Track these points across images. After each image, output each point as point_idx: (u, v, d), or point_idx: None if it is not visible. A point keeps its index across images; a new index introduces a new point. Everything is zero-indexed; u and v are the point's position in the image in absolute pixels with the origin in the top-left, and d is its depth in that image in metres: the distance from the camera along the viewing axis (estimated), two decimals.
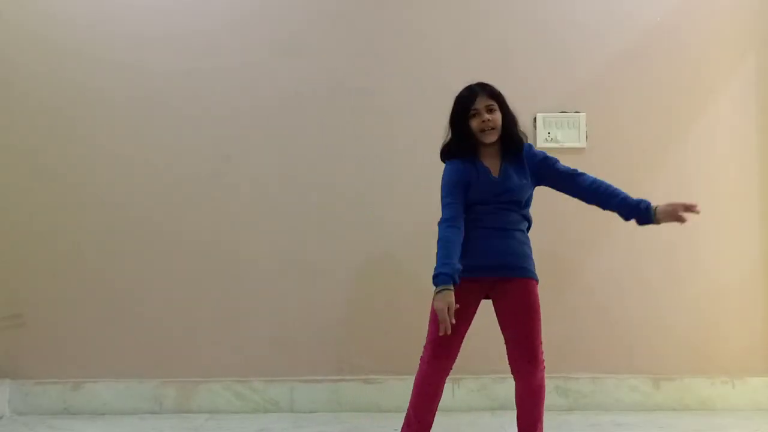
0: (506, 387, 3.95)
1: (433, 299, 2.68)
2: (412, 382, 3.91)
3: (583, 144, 4.04)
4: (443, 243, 2.77)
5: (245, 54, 4.05)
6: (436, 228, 4.10)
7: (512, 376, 2.88)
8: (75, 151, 4.02)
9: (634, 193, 4.05)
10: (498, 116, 2.93)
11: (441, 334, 2.66)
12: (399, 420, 3.70)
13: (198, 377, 3.94)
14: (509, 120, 2.97)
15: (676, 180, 4.05)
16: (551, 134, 4.03)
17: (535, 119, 4.04)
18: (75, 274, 3.98)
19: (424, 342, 3.93)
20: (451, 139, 3.03)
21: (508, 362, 2.86)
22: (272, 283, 3.97)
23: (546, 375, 3.96)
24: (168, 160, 4.02)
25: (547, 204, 4.03)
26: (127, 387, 3.92)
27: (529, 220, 3.00)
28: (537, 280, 2.93)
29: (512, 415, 3.80)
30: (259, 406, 3.92)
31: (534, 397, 2.89)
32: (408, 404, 2.94)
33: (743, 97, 4.08)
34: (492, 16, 4.10)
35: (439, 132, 4.03)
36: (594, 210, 4.03)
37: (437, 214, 4.00)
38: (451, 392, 3.94)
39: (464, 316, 2.84)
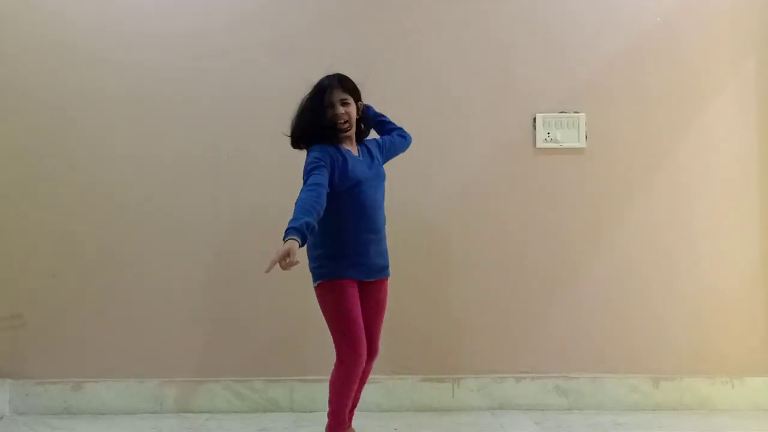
0: (506, 387, 3.96)
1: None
2: (412, 382, 3.94)
3: (582, 144, 4.04)
4: (301, 201, 2.87)
5: (245, 54, 4.05)
6: (436, 229, 4.12)
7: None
8: (75, 151, 4.02)
9: (634, 192, 4.09)
10: (352, 110, 3.11)
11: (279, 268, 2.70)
12: (399, 419, 3.72)
13: (198, 377, 3.94)
14: (366, 116, 3.22)
15: (676, 180, 4.05)
16: (551, 134, 4.03)
17: (534, 119, 4.04)
18: (75, 274, 3.98)
19: (424, 343, 3.96)
20: (306, 124, 3.11)
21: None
22: (272, 282, 3.95)
23: (546, 374, 4.00)
24: (168, 160, 4.02)
25: (545, 205, 4.05)
26: (127, 387, 3.92)
27: None
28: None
29: (512, 414, 3.84)
30: (259, 406, 3.92)
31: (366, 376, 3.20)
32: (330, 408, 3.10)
33: (743, 97, 4.08)
34: (492, 16, 4.10)
35: (438, 131, 4.05)
36: (593, 211, 4.06)
37: (441, 216, 4.02)
38: (451, 392, 3.94)
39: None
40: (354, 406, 3.23)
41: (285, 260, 2.65)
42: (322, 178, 2.92)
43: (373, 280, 3.11)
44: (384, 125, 3.43)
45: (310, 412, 3.88)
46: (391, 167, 3.95)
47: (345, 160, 3.03)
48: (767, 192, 4.06)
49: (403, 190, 3.99)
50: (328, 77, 3.12)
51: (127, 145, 4.02)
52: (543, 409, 3.92)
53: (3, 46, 4.04)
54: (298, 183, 3.99)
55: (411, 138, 3.46)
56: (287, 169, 4.03)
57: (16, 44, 4.04)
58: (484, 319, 4.00)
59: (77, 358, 3.94)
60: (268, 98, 4.03)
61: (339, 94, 3.07)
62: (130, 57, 4.04)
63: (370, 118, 3.32)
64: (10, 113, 4.03)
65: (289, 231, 2.73)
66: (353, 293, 3.02)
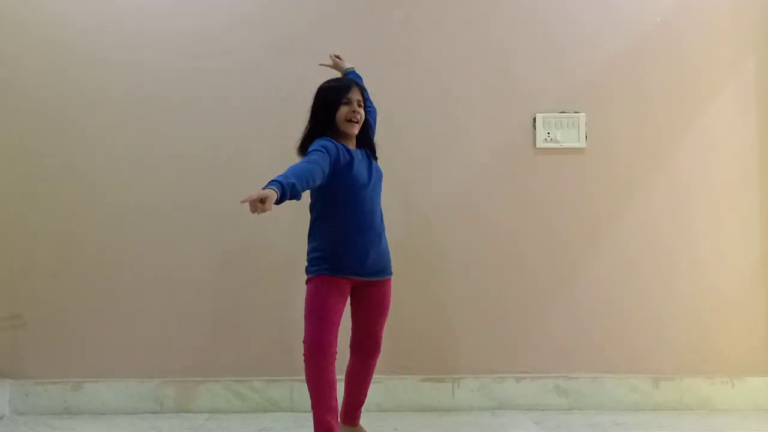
0: (506, 387, 3.96)
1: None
2: (412, 381, 3.94)
3: (582, 144, 4.04)
4: (294, 166, 2.83)
5: (245, 54, 4.05)
6: (436, 229, 4.11)
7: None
8: (75, 151, 4.02)
9: (634, 192, 4.09)
10: (363, 113, 3.15)
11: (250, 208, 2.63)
12: (399, 419, 3.72)
13: (198, 377, 3.94)
14: (369, 124, 3.24)
15: (676, 180, 4.05)
16: (551, 134, 4.03)
17: (534, 119, 4.04)
18: (75, 274, 3.98)
19: (423, 343, 3.96)
20: (311, 130, 3.14)
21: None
22: (272, 282, 3.97)
23: (546, 374, 4.00)
24: (168, 160, 4.02)
25: (545, 205, 4.05)
26: (127, 387, 3.92)
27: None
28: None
29: (512, 414, 3.84)
30: (259, 406, 3.92)
31: (369, 374, 3.27)
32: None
33: (743, 97, 4.08)
34: (492, 16, 4.10)
35: (438, 131, 4.05)
36: (593, 211, 4.05)
37: (441, 215, 4.01)
38: (451, 392, 3.94)
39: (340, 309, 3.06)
40: (359, 406, 3.29)
41: (258, 204, 2.60)
42: (325, 161, 2.90)
43: (371, 280, 3.12)
44: None
45: (310, 412, 3.87)
46: (390, 167, 3.97)
47: (352, 159, 3.05)
48: (767, 192, 4.06)
49: (403, 190, 3.99)
50: (341, 79, 3.24)
51: (127, 145, 4.03)
52: (543, 409, 3.92)
53: (3, 46, 4.04)
54: None
55: (375, 110, 3.50)
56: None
57: (16, 44, 4.04)
58: (484, 319, 4.00)
59: (77, 358, 3.94)
60: (268, 98, 4.04)
61: (357, 95, 3.11)
62: (130, 57, 4.04)
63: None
64: (10, 113, 4.03)
65: (273, 183, 2.68)
66: (338, 293, 3.00)
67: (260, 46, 4.05)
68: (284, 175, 2.73)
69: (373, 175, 3.14)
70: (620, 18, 4.10)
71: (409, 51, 4.07)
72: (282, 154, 4.03)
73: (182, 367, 3.95)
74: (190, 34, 4.06)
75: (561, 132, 4.04)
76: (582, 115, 4.05)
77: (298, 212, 4.00)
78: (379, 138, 3.42)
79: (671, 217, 4.04)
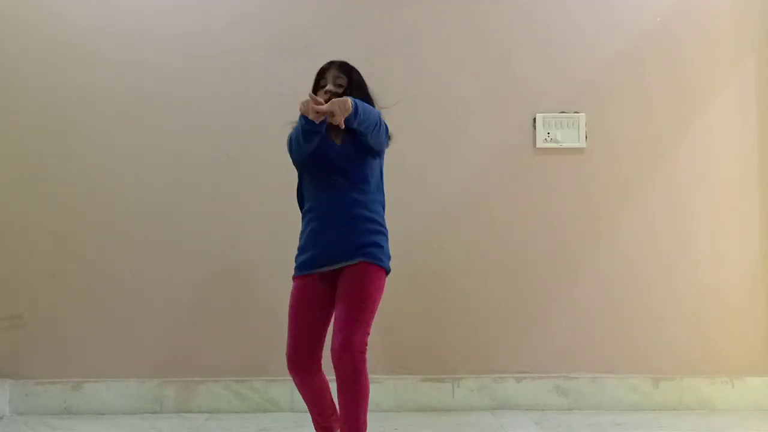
0: (506, 387, 3.96)
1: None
2: (412, 381, 3.95)
3: (582, 144, 4.04)
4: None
5: (245, 54, 4.05)
6: (436, 229, 4.11)
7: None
8: (75, 151, 4.02)
9: (634, 192, 4.09)
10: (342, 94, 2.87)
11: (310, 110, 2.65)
12: (399, 419, 3.72)
13: (198, 377, 3.94)
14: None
15: (676, 180, 4.05)
16: (551, 134, 4.03)
17: (534, 119, 4.04)
18: (75, 274, 3.98)
19: (423, 342, 3.96)
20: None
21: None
22: (272, 282, 3.96)
23: (546, 374, 3.99)
24: (168, 161, 4.02)
25: (545, 205, 4.05)
26: (127, 387, 3.92)
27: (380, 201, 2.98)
28: (375, 264, 2.83)
29: (512, 414, 3.84)
30: (259, 406, 3.92)
31: (345, 383, 2.75)
32: None
33: (743, 97, 4.08)
34: (492, 16, 4.10)
35: (438, 131, 4.05)
36: (593, 211, 4.05)
37: (441, 215, 4.01)
38: (451, 392, 3.94)
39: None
40: (331, 413, 2.96)
41: (333, 111, 2.60)
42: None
43: (336, 267, 2.84)
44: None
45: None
46: (391, 167, 3.97)
47: (322, 138, 2.85)
48: (767, 192, 4.06)
49: (404, 190, 3.98)
50: (331, 62, 3.02)
51: (127, 145, 4.03)
52: (543, 409, 3.92)
53: (3, 46, 4.05)
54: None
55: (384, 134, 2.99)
56: (287, 169, 4.03)
57: (16, 44, 4.04)
58: (485, 319, 4.00)
59: (77, 358, 3.94)
60: (268, 98, 4.03)
61: (334, 73, 2.94)
62: (130, 57, 4.04)
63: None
64: (10, 113, 4.03)
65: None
66: (302, 291, 2.90)
67: (260, 46, 4.05)
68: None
69: (343, 158, 2.86)
70: (620, 18, 4.10)
71: (409, 51, 4.07)
72: (282, 154, 4.02)
73: (182, 367, 3.95)
74: (190, 34, 4.06)
75: (561, 132, 4.04)
76: (582, 115, 4.05)
77: (297, 212, 4.00)
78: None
79: (671, 216, 4.04)
